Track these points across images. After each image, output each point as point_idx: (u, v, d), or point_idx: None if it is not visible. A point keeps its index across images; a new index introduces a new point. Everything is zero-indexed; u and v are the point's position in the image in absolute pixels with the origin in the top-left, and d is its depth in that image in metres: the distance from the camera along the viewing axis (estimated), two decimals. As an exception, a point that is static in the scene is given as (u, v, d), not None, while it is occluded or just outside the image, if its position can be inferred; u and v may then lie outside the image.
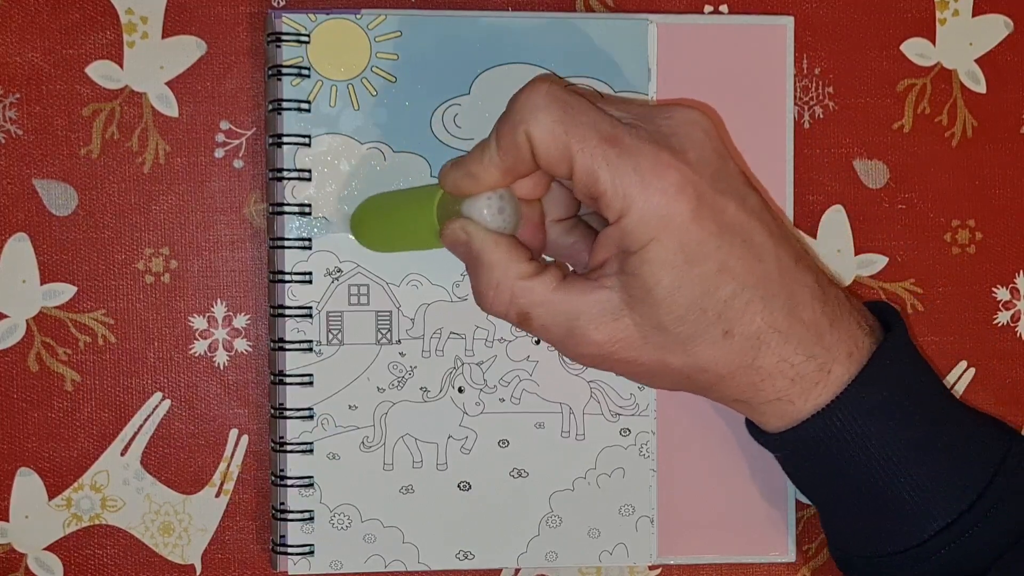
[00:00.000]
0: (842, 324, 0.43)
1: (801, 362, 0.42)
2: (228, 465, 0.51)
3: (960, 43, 0.53)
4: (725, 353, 0.41)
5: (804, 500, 0.53)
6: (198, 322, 0.50)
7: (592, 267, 0.42)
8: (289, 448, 0.49)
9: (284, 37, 0.48)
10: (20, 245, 0.50)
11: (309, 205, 0.48)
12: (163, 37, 0.50)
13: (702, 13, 0.52)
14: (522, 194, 0.43)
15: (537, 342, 0.50)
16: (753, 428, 0.46)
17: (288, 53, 0.48)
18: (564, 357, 0.50)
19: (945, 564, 0.43)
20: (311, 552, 0.49)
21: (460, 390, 0.50)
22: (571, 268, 0.46)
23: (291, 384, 0.49)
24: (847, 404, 0.42)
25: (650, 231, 0.40)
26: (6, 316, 0.50)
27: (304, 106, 0.48)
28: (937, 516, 0.43)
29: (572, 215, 0.46)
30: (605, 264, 0.42)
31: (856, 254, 0.53)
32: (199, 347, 0.51)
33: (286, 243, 0.48)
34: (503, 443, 0.50)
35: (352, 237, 0.49)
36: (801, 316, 0.42)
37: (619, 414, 0.50)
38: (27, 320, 0.50)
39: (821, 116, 0.53)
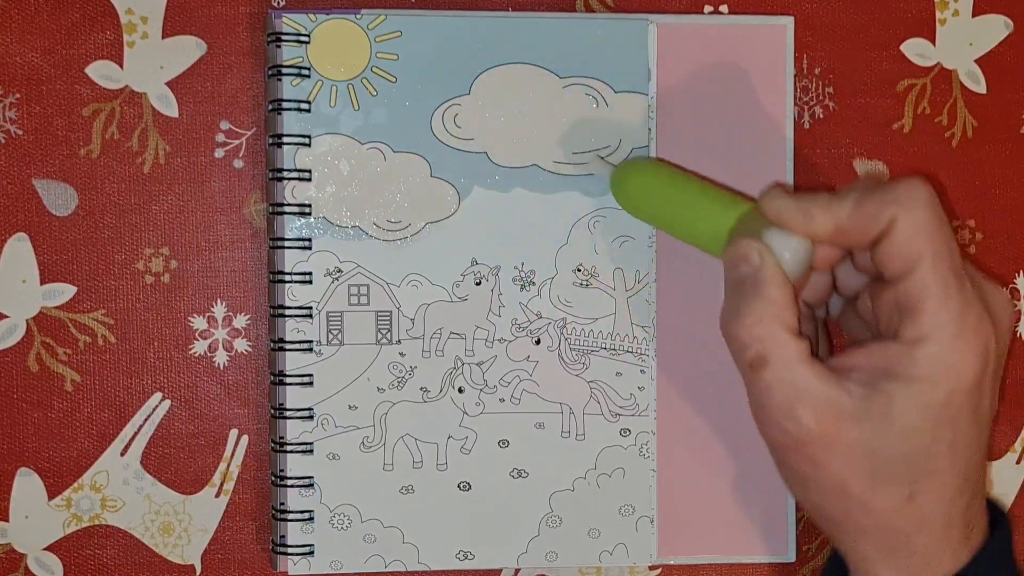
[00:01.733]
0: (978, 519, 0.44)
1: (938, 548, 0.42)
2: (228, 465, 0.51)
3: (960, 43, 0.53)
4: (894, 510, 0.41)
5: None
6: (198, 322, 0.50)
7: (839, 365, 0.42)
8: (289, 448, 0.49)
9: (284, 37, 0.48)
10: (20, 245, 0.50)
11: (309, 205, 0.49)
12: (163, 37, 0.50)
13: (702, 13, 0.52)
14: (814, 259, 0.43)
15: (537, 342, 0.50)
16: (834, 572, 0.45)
17: (288, 53, 0.48)
18: (564, 360, 0.50)
19: None
20: (311, 552, 0.49)
21: (460, 390, 0.50)
22: None
23: (291, 384, 0.49)
24: None
25: (934, 373, 0.40)
26: (6, 316, 0.50)
27: (304, 106, 0.48)
28: None
29: (813, 307, 0.47)
30: (859, 369, 0.41)
31: (856, 254, 0.53)
32: (199, 347, 0.51)
33: (286, 243, 0.48)
34: (503, 443, 0.50)
35: (612, 193, 0.48)
36: (966, 511, 0.42)
37: (619, 414, 0.50)
38: (27, 320, 0.50)
39: (821, 116, 0.53)
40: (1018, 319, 0.54)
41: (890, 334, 0.41)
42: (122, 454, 0.51)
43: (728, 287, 0.43)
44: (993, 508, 0.45)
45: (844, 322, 0.47)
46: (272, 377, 0.49)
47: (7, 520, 0.50)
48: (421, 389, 0.50)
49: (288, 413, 0.49)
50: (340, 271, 0.49)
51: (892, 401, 0.40)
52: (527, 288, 0.50)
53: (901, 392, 0.40)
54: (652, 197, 0.46)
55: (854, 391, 0.40)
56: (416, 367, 0.49)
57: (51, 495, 0.50)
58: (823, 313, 0.48)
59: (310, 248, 0.49)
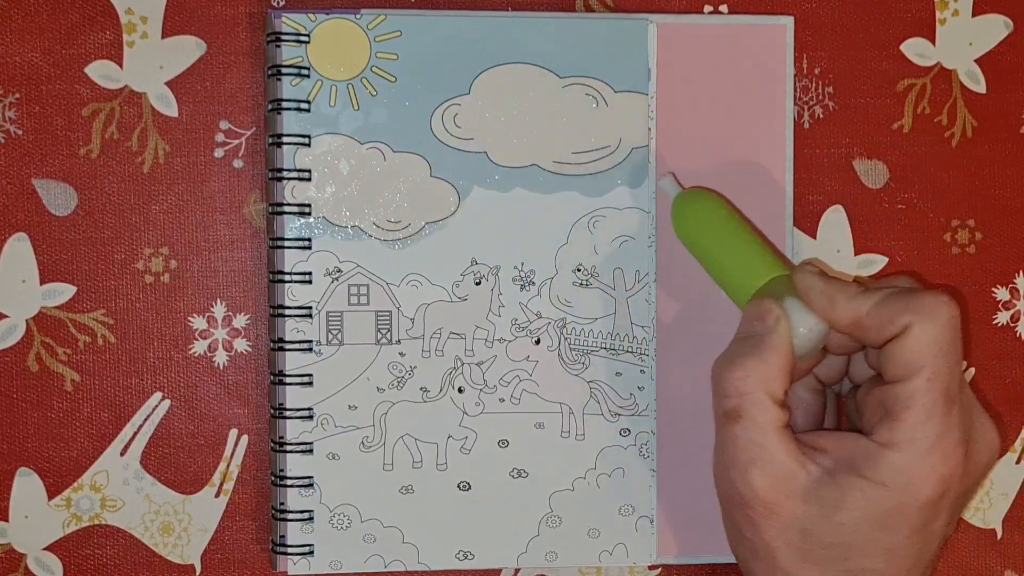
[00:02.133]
0: None
1: None
2: (228, 465, 0.51)
3: (960, 43, 0.53)
4: None
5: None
6: (198, 322, 0.50)
7: (811, 443, 0.43)
8: (289, 448, 0.49)
9: (284, 37, 0.48)
10: (20, 245, 0.50)
11: (309, 205, 0.48)
12: (163, 37, 0.50)
13: (702, 13, 0.52)
14: (829, 344, 0.44)
15: (537, 342, 0.50)
16: None
17: (288, 53, 0.48)
18: (563, 360, 0.50)
19: None
20: (311, 552, 0.49)
21: (460, 390, 0.50)
22: None
23: (291, 384, 0.49)
24: None
25: (891, 481, 0.40)
26: (6, 316, 0.50)
27: (304, 106, 0.48)
28: None
29: (826, 384, 0.47)
30: (826, 453, 0.42)
31: (856, 254, 0.53)
32: (199, 347, 0.51)
33: (286, 243, 0.48)
34: (503, 443, 0.50)
35: (673, 211, 0.49)
36: None
37: (619, 414, 0.50)
38: (27, 320, 0.50)
39: (821, 116, 0.53)
40: (1019, 318, 0.54)
41: (867, 430, 0.42)
42: (122, 454, 0.51)
43: (737, 336, 0.44)
44: None
45: (845, 403, 0.48)
46: (272, 377, 0.49)
47: (7, 520, 0.50)
48: (421, 389, 0.50)
49: (288, 413, 0.49)
50: (340, 271, 0.49)
51: (844, 494, 0.41)
52: (527, 288, 0.50)
53: (855, 488, 0.41)
54: (705, 231, 0.47)
55: (813, 471, 0.41)
56: (416, 367, 0.49)
57: (51, 495, 0.50)
58: (839, 389, 0.48)
59: (310, 248, 0.49)
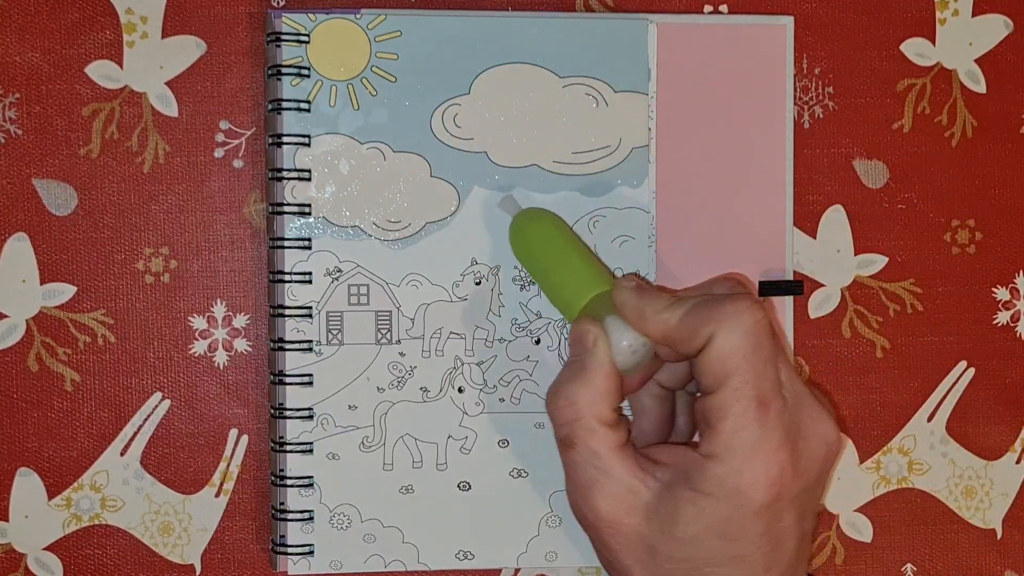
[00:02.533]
0: None
1: None
2: (228, 465, 0.51)
3: (960, 43, 0.53)
4: None
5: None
6: (198, 322, 0.50)
7: (652, 456, 0.43)
8: (289, 448, 0.49)
9: (284, 37, 0.48)
10: (20, 245, 0.50)
11: (309, 205, 0.49)
12: (163, 37, 0.50)
13: (702, 13, 0.52)
14: (660, 352, 0.44)
15: (537, 342, 0.50)
16: None
17: (288, 53, 0.48)
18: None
19: None
20: (311, 552, 0.49)
21: (460, 390, 0.50)
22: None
23: (291, 384, 0.49)
24: None
25: (718, 491, 0.40)
26: (6, 316, 0.50)
27: (304, 106, 0.48)
28: None
29: (673, 389, 0.47)
30: (664, 467, 0.42)
31: (856, 254, 0.53)
32: (199, 347, 0.51)
33: (286, 243, 0.48)
34: (503, 443, 0.50)
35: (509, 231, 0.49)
36: None
37: (619, 414, 0.50)
38: (27, 320, 0.50)
39: (821, 116, 0.53)
40: (1019, 318, 0.54)
41: (699, 441, 0.42)
42: (122, 454, 0.51)
43: (568, 359, 0.44)
44: None
45: None
46: (272, 377, 0.49)
47: (7, 520, 0.50)
48: (421, 389, 0.50)
49: (288, 413, 0.49)
50: (340, 271, 0.49)
51: (679, 507, 0.41)
52: (527, 288, 0.50)
53: (688, 501, 0.41)
54: (535, 252, 0.48)
55: (652, 486, 0.42)
56: (416, 367, 0.49)
57: (51, 495, 0.50)
58: (694, 389, 0.48)
59: (310, 248, 0.49)
